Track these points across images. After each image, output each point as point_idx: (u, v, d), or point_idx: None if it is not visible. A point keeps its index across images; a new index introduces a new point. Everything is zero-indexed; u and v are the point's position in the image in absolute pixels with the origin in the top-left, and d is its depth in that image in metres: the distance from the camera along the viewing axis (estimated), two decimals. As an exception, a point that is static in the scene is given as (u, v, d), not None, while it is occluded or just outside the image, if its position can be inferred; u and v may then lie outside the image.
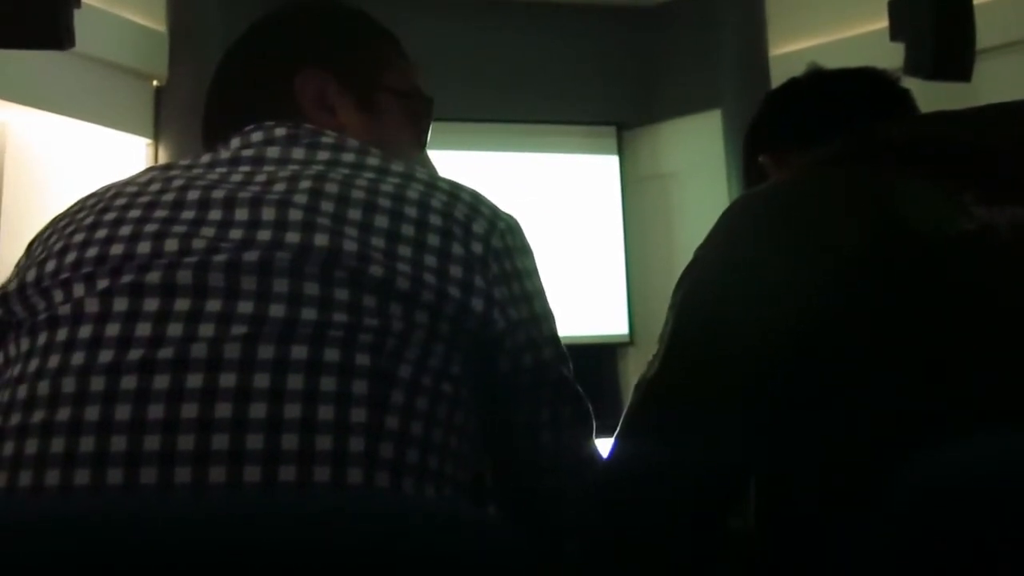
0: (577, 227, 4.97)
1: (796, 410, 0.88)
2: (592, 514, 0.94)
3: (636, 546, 0.92)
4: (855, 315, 0.85)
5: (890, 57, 2.21)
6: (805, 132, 1.18)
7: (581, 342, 4.41)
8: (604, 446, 0.98)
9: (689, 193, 4.95)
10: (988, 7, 2.86)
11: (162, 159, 4.22)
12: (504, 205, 0.97)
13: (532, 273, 0.93)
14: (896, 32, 2.59)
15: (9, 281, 0.87)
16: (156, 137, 4.24)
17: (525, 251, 0.93)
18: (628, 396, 0.97)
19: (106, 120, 4.03)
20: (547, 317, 0.93)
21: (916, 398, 0.81)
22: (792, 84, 1.26)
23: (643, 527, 0.92)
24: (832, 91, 1.21)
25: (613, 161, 5.19)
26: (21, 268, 0.87)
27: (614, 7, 5.11)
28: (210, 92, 1.06)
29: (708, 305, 0.94)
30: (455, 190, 0.90)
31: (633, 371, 4.74)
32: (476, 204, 0.90)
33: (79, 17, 2.12)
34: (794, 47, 4.41)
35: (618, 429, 0.97)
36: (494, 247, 0.88)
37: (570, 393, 0.95)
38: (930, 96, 1.23)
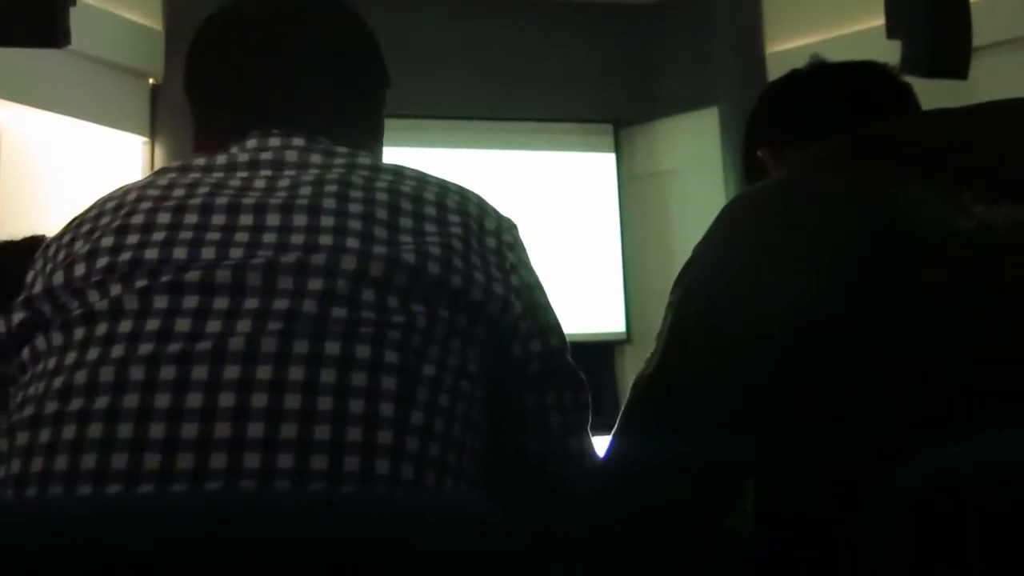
0: (574, 225, 4.97)
1: (794, 409, 0.88)
2: (590, 512, 0.94)
3: (635, 544, 0.92)
4: (853, 313, 0.85)
5: (887, 55, 2.19)
6: (804, 127, 1.18)
7: (578, 340, 4.38)
8: (602, 444, 0.99)
9: (686, 190, 4.95)
10: (984, 5, 2.86)
11: (158, 157, 4.21)
12: (502, 203, 1.01)
13: (533, 267, 0.99)
14: (893, 30, 2.59)
15: (31, 285, 0.88)
16: (152, 135, 4.23)
17: (525, 247, 0.99)
18: (625, 394, 0.97)
19: (102, 118, 4.02)
20: (552, 307, 0.98)
21: (915, 397, 0.81)
22: (792, 76, 1.25)
23: (641, 525, 0.92)
24: (832, 85, 1.21)
25: (610, 159, 5.19)
26: (38, 271, 0.89)
27: (611, 5, 5.10)
28: (283, 72, 1.02)
29: (706, 303, 0.93)
30: (463, 190, 0.95)
31: (630, 369, 4.74)
32: (483, 203, 0.95)
33: (75, 15, 2.11)
34: (791, 44, 4.41)
35: (616, 427, 0.97)
36: (505, 240, 0.93)
37: (574, 380, 0.97)
38: (927, 94, 1.23)
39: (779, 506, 0.92)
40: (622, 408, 0.96)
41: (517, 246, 0.96)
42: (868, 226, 0.87)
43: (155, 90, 4.25)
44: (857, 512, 0.76)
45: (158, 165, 4.22)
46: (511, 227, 0.96)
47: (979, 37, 2.56)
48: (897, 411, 0.82)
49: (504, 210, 0.99)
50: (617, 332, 4.97)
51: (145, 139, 4.23)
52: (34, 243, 1.56)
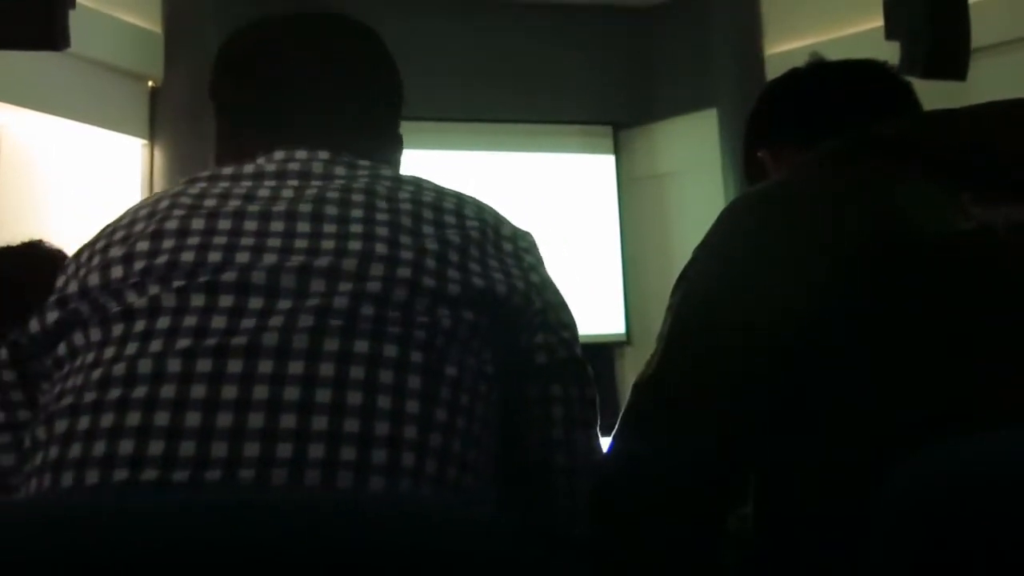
0: (573, 227, 4.97)
1: (795, 408, 0.88)
2: (591, 513, 0.94)
3: (635, 545, 0.92)
4: (854, 315, 0.85)
5: (886, 56, 2.20)
6: (804, 126, 1.17)
7: (578, 342, 4.40)
8: (603, 445, 0.99)
9: (685, 192, 4.95)
10: (983, 6, 2.86)
11: (158, 160, 4.21)
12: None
13: (549, 272, 1.02)
14: (892, 31, 2.59)
15: (62, 287, 0.90)
16: (151, 138, 4.24)
17: (542, 256, 1.03)
18: (625, 396, 0.97)
19: (102, 121, 4.03)
20: (567, 306, 1.01)
21: (915, 397, 0.81)
22: (792, 76, 1.25)
23: (642, 526, 0.92)
24: (832, 84, 1.20)
25: (609, 161, 5.19)
26: (70, 275, 0.91)
27: (610, 7, 5.11)
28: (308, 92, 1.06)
29: (706, 304, 0.94)
30: (479, 202, 1.00)
31: (630, 370, 4.74)
32: (498, 214, 1.00)
33: (74, 18, 2.12)
34: (790, 46, 4.42)
35: (616, 428, 0.97)
36: (521, 245, 0.98)
37: (582, 375, 0.99)
38: (926, 95, 1.23)
39: (779, 506, 0.92)
40: (623, 409, 0.96)
41: (533, 250, 1.00)
42: (868, 226, 0.87)
43: (154, 92, 4.25)
44: (857, 512, 0.76)
45: (157, 167, 4.23)
46: (526, 235, 1.01)
47: (978, 38, 2.57)
48: (897, 411, 0.82)
49: (509, 214, 1.02)
50: (617, 334, 4.97)
51: (144, 141, 4.24)
52: (32, 248, 1.56)
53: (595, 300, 4.86)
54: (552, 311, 0.97)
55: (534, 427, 0.96)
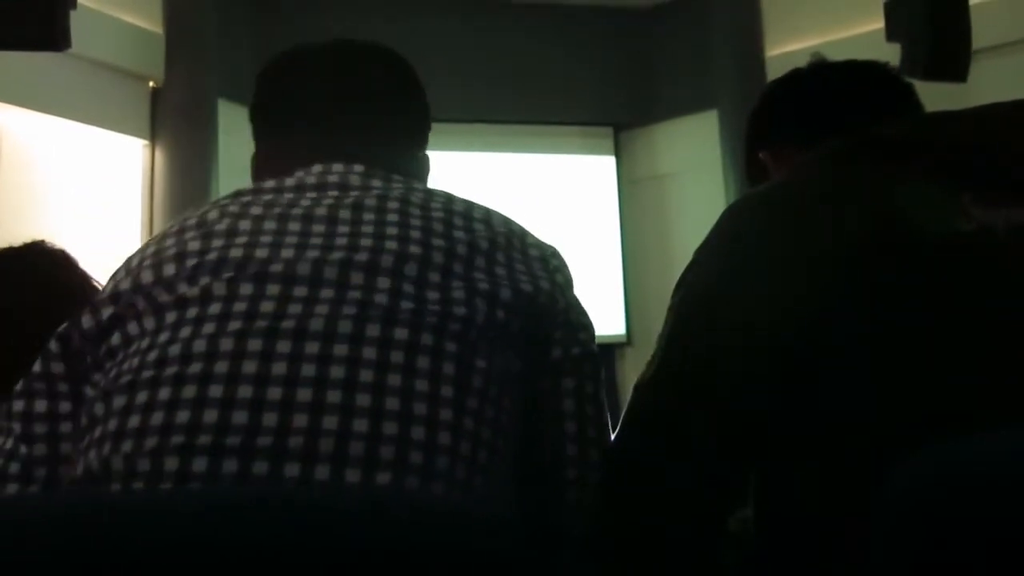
0: (574, 228, 4.97)
1: (794, 409, 0.88)
2: (593, 514, 0.94)
3: (637, 546, 0.92)
4: (854, 315, 0.85)
5: (886, 58, 2.19)
6: (805, 126, 1.17)
7: (578, 343, 4.40)
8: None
9: (686, 194, 4.96)
10: (984, 7, 2.87)
11: (158, 161, 4.22)
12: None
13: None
14: (892, 33, 2.59)
15: (114, 286, 0.95)
16: (152, 138, 4.24)
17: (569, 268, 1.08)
18: (626, 396, 0.98)
19: (102, 121, 4.03)
20: (586, 311, 1.05)
21: (915, 396, 0.82)
22: (793, 76, 1.25)
23: (643, 527, 0.93)
24: (833, 85, 1.21)
25: (610, 162, 5.20)
26: (120, 277, 0.96)
27: (611, 8, 5.11)
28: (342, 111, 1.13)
29: (707, 304, 0.94)
30: (507, 217, 1.05)
31: (631, 371, 4.74)
32: (525, 229, 1.06)
33: (75, 18, 2.12)
34: (790, 47, 4.42)
35: (617, 430, 0.97)
36: (545, 251, 1.03)
37: (596, 372, 1.02)
38: (927, 97, 1.23)
39: (780, 506, 0.92)
40: (624, 411, 0.97)
41: (559, 257, 1.04)
42: (868, 227, 0.88)
43: (155, 93, 4.26)
44: (858, 512, 0.76)
45: (158, 168, 4.23)
46: (552, 246, 1.05)
47: (978, 40, 2.57)
48: (897, 411, 0.82)
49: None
50: (617, 335, 4.98)
51: (145, 142, 4.24)
52: (34, 248, 1.55)
53: (595, 301, 4.85)
54: (573, 311, 1.01)
55: (548, 423, 0.97)
